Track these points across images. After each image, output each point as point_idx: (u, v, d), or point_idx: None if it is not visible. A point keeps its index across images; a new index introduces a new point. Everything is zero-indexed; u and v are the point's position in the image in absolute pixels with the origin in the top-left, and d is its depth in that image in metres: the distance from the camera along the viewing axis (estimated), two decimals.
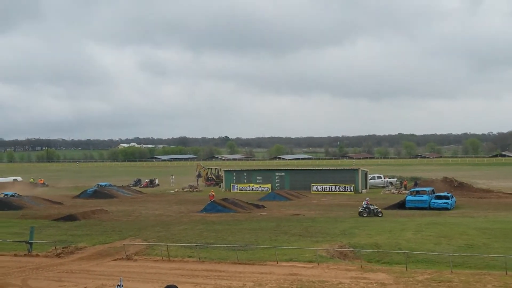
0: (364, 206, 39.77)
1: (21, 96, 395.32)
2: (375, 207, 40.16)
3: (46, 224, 37.54)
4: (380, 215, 38.82)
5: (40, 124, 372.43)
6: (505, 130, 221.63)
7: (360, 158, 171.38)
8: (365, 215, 38.71)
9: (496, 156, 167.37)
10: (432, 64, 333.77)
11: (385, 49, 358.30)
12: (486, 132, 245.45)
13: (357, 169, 65.73)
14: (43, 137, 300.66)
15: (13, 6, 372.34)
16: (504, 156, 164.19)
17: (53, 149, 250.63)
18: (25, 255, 26.49)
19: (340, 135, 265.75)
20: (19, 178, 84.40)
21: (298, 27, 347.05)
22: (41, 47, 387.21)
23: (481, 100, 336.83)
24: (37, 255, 26.34)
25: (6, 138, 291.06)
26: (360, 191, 61.75)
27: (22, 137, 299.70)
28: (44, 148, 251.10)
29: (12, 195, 53.96)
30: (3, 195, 54.37)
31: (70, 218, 39.51)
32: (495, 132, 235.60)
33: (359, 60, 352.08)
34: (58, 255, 26.11)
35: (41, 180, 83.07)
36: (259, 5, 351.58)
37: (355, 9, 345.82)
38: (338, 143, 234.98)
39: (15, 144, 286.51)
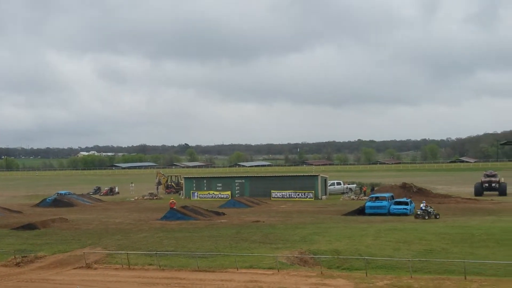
0: (423, 208, 40.80)
1: None
2: (433, 209, 41.01)
3: (5, 233, 36.83)
4: (438, 217, 39.88)
5: None
6: (463, 136, 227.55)
7: (320, 165, 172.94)
8: (426, 217, 39.71)
9: (454, 161, 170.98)
10: (391, 71, 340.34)
11: (344, 56, 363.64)
12: (444, 138, 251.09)
13: (316, 176, 66.10)
14: (2, 145, 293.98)
15: None
16: (463, 161, 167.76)
17: (12, 158, 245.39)
18: None
19: (300, 142, 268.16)
20: None
21: (258, 35, 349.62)
22: (0, 56, 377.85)
23: (439, 107, 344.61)
24: None
25: None
26: (319, 197, 62.09)
27: None
28: (3, 157, 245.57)
29: None
30: None
31: (30, 227, 38.83)
32: (453, 138, 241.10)
33: (319, 67, 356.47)
34: (17, 264, 25.74)
35: None
36: (219, 13, 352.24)
37: (314, 17, 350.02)
38: (298, 150, 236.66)
39: None
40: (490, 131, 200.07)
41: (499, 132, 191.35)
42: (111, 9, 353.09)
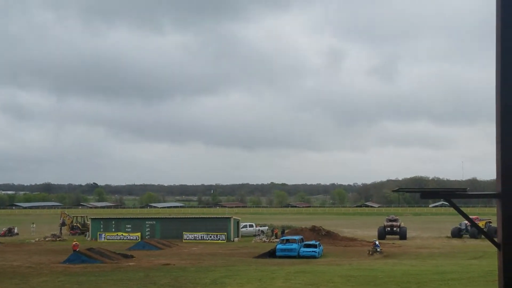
0: (377, 246, 45.82)
1: None
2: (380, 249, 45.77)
3: None
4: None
5: None
6: (368, 181, 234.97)
7: (233, 207, 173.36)
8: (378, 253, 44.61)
9: (360, 206, 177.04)
10: (302, 117, 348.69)
11: (256, 100, 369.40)
12: (352, 183, 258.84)
13: (229, 218, 66.15)
14: None
15: None
16: (368, 206, 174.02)
17: None
18: None
19: (214, 183, 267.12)
20: None
21: (170, 75, 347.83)
22: None
23: (347, 153, 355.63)
24: None
25: None
26: (232, 239, 62.05)
27: None
28: None
29: None
30: None
31: None
32: (359, 183, 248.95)
33: (232, 111, 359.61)
34: None
35: None
36: (129, 51, 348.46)
37: (225, 60, 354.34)
38: (212, 192, 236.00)
39: None
40: (393, 178, 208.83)
41: (400, 179, 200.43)
42: (14, 41, 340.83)
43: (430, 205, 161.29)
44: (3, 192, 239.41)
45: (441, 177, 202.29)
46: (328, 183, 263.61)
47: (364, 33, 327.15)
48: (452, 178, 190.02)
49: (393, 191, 10.31)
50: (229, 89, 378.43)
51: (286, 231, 64.07)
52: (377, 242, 47.45)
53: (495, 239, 7.64)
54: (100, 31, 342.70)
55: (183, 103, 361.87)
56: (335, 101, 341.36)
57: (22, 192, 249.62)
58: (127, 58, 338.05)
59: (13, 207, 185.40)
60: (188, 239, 61.83)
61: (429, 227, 78.50)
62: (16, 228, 76.31)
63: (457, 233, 64.67)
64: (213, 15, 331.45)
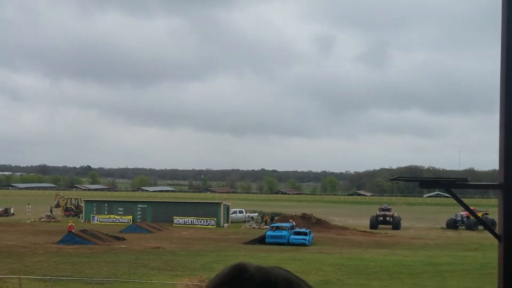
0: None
1: None
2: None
3: None
4: None
5: None
6: (361, 169, 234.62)
7: (223, 192, 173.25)
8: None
9: (352, 194, 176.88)
10: (290, 104, 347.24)
11: (244, 86, 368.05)
12: (343, 171, 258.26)
13: (219, 203, 66.31)
14: None
15: None
16: (360, 195, 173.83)
17: None
18: None
19: (204, 168, 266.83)
20: None
21: (158, 60, 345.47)
22: None
23: (338, 140, 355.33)
24: None
25: None
26: (221, 225, 62.21)
27: None
28: None
29: None
30: None
31: None
32: (352, 171, 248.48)
33: (220, 96, 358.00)
34: None
35: None
36: (118, 36, 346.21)
37: (212, 45, 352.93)
38: (202, 177, 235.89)
39: None
40: (386, 167, 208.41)
41: (394, 167, 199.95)
42: (7, 25, 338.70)
43: (425, 195, 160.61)
44: (0, 172, 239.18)
45: (436, 166, 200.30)
46: (319, 171, 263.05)
47: (354, 19, 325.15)
48: (448, 168, 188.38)
49: (391, 179, 10.34)
50: (216, 74, 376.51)
51: (276, 218, 64.13)
52: None
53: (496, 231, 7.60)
54: (91, 15, 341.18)
55: (171, 88, 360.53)
56: (325, 88, 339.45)
57: (19, 173, 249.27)
58: (118, 42, 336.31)
59: (10, 188, 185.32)
60: (178, 224, 61.97)
61: (424, 217, 78.14)
62: (12, 208, 76.42)
63: (452, 225, 64.08)
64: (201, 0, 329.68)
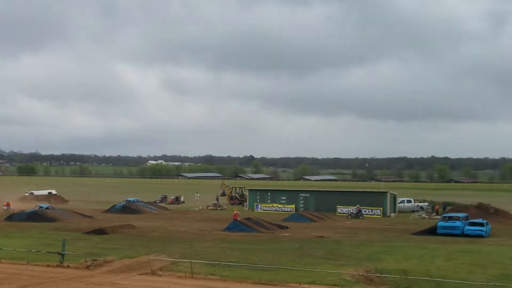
0: None
1: (55, 112, 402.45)
2: None
3: (77, 236, 37.93)
4: None
5: (73, 140, 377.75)
6: None
7: (389, 181, 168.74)
8: None
9: None
10: (459, 86, 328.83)
11: (408, 70, 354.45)
12: None
13: (385, 192, 64.29)
14: (77, 152, 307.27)
15: (43, 26, 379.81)
16: None
17: (86, 164, 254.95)
18: (57, 266, 27.02)
19: (368, 156, 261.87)
20: (53, 191, 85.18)
21: (316, 47, 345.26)
22: (71, 66, 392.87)
23: None
24: (68, 267, 26.81)
25: (43, 153, 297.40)
26: (388, 215, 60.25)
27: (57, 152, 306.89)
28: (77, 163, 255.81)
29: (47, 208, 55.15)
30: (38, 207, 55.01)
31: (100, 231, 40.04)
32: None
33: (382, 81, 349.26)
34: (87, 267, 26.49)
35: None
36: (274, 25, 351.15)
37: (371, 28, 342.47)
38: (367, 165, 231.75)
39: (51, 158, 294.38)
40: None
41: None
42: (174, 22, 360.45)
43: None
44: (170, 163, 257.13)
45: None
46: (497, 157, 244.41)
47: None
48: None
49: None
50: (377, 58, 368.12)
51: (448, 207, 60.73)
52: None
53: None
54: (249, 7, 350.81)
55: (330, 75, 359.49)
56: (499, 68, 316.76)
57: (187, 163, 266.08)
58: (274, 32, 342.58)
59: (179, 177, 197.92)
60: (342, 213, 61.02)
61: None
62: (182, 196, 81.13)
63: None
64: None
